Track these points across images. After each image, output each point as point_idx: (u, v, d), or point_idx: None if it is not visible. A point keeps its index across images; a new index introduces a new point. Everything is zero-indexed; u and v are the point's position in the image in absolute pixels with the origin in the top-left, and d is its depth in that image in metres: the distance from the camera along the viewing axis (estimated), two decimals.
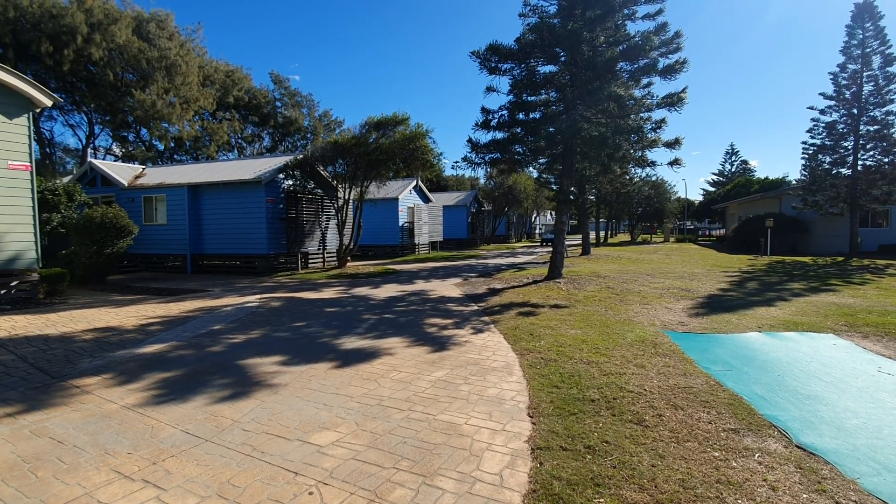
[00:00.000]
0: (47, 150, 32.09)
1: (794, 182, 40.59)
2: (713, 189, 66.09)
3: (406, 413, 4.02)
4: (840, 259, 19.23)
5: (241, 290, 12.28)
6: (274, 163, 17.23)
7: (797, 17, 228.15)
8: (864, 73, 20.91)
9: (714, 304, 9.00)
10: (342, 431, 3.67)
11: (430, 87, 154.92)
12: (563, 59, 12.87)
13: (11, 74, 9.37)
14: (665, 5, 12.52)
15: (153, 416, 4.02)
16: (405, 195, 25.58)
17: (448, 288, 12.31)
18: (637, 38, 11.96)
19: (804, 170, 23.86)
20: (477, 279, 14.08)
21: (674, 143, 13.28)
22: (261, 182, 15.48)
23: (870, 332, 6.61)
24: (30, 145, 9.82)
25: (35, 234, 9.90)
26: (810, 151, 22.82)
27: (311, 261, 18.15)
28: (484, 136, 14.05)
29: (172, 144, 35.51)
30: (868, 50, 20.76)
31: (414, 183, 26.44)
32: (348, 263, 18.56)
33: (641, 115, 13.22)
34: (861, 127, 21.09)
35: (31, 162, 9.80)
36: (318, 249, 18.43)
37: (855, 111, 21.20)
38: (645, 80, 13.16)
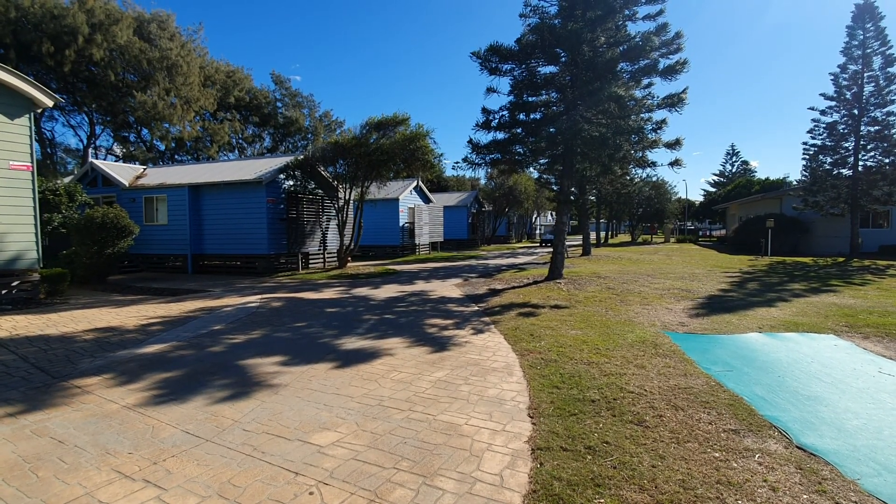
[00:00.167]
0: (48, 150, 32.15)
1: (794, 183, 40.67)
2: (714, 189, 66.08)
3: (406, 413, 4.02)
4: (841, 260, 19.22)
5: (241, 290, 12.29)
6: (275, 163, 17.23)
7: (797, 18, 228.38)
8: (865, 74, 20.91)
9: (714, 305, 8.99)
10: (342, 431, 3.67)
11: (431, 87, 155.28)
12: (563, 59, 12.88)
13: (13, 75, 9.39)
14: (665, 6, 12.55)
15: (154, 416, 4.03)
16: (406, 196, 25.57)
17: (448, 288, 12.31)
18: (638, 39, 11.96)
19: (805, 170, 23.87)
20: (477, 280, 14.08)
21: (674, 144, 13.30)
22: (261, 182, 15.50)
23: (870, 333, 6.61)
24: (31, 145, 9.84)
25: (36, 234, 9.91)
26: (811, 152, 22.82)
27: (311, 261, 18.16)
28: (484, 137, 14.09)
29: (173, 145, 35.54)
30: (869, 51, 20.76)
31: (414, 183, 26.43)
32: (349, 264, 18.56)
33: (642, 115, 13.23)
34: (862, 127, 21.09)
35: (32, 162, 9.82)
36: (319, 250, 18.44)
37: (856, 112, 21.19)
38: (645, 81, 13.16)
